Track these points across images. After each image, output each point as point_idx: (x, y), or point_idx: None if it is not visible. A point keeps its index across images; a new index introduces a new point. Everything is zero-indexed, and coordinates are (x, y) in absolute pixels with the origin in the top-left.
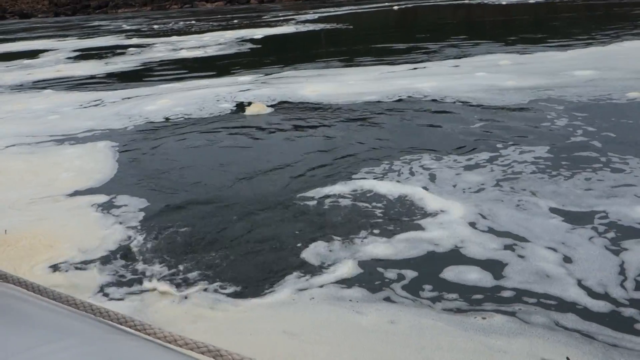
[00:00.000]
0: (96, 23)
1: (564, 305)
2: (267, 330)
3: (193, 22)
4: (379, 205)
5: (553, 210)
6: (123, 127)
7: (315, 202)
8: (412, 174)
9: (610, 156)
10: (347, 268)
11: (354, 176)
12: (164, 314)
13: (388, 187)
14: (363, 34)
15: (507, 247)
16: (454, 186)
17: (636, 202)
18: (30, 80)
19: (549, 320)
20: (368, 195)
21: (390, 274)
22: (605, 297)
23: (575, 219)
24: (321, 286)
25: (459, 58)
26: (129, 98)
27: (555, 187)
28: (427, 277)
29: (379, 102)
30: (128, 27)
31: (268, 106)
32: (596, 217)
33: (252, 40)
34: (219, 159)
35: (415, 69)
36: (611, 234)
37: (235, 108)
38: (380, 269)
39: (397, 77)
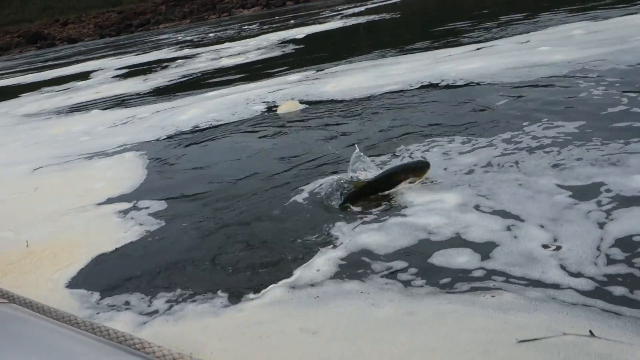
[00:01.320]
0: (155, 38)
1: (572, 283)
2: (284, 330)
3: (246, 27)
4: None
5: (560, 186)
6: (154, 139)
7: (310, 197)
8: (415, 155)
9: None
10: (341, 261)
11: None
12: (169, 327)
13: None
14: (420, 19)
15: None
16: (454, 168)
17: None
18: (70, 104)
19: (561, 296)
20: None
21: (385, 264)
22: (621, 274)
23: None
24: (321, 281)
25: (531, 32)
26: (158, 112)
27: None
28: (424, 263)
29: (410, 90)
30: (182, 39)
31: (302, 103)
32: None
33: (295, 41)
34: (240, 159)
35: (479, 49)
36: None
37: (266, 109)
38: (375, 260)
39: (449, 60)
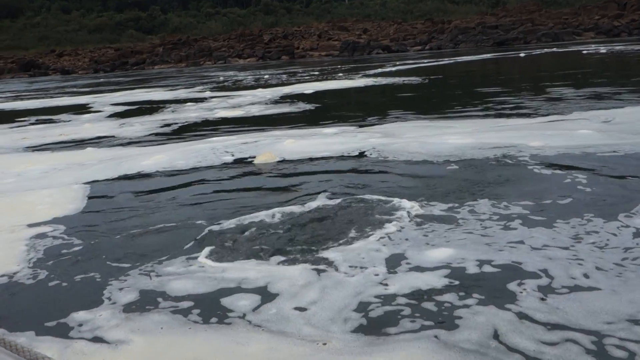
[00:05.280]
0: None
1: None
2: None
3: (250, 76)
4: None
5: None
6: (105, 178)
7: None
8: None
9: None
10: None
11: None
12: None
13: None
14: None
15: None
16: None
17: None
18: (29, 144)
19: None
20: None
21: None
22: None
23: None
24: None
25: (611, 109)
26: (115, 157)
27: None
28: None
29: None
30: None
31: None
32: None
33: (303, 97)
34: (179, 205)
35: (551, 122)
36: None
37: (239, 159)
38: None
39: (449, 132)
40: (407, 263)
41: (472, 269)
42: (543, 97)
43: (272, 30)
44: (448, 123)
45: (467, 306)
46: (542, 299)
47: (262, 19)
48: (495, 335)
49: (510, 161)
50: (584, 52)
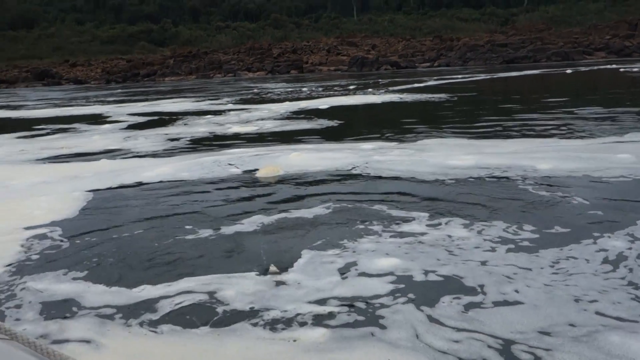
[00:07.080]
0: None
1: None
2: None
3: (265, 91)
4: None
5: None
6: (105, 187)
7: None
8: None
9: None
10: None
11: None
12: None
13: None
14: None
15: None
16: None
17: None
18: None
19: None
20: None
21: None
22: None
23: None
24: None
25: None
26: (118, 168)
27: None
28: None
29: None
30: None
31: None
32: None
33: (318, 112)
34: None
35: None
36: None
37: (245, 171)
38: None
39: (435, 154)
40: (356, 269)
41: (418, 277)
42: (603, 116)
43: (281, 45)
44: (489, 142)
45: (396, 310)
46: (463, 312)
47: (271, 33)
48: (416, 335)
49: (503, 181)
50: (621, 69)
